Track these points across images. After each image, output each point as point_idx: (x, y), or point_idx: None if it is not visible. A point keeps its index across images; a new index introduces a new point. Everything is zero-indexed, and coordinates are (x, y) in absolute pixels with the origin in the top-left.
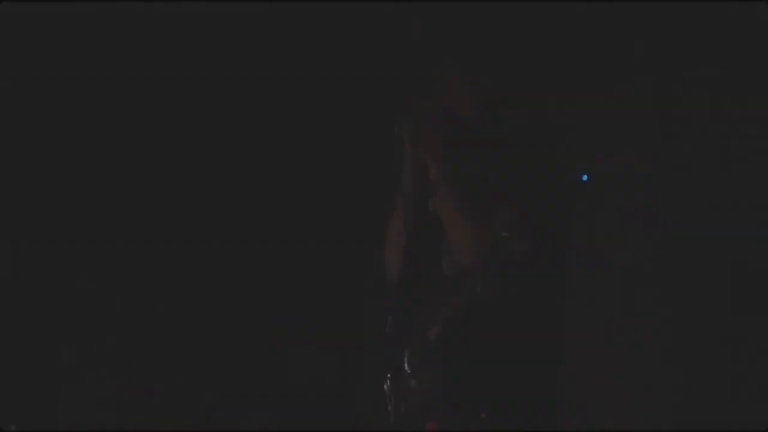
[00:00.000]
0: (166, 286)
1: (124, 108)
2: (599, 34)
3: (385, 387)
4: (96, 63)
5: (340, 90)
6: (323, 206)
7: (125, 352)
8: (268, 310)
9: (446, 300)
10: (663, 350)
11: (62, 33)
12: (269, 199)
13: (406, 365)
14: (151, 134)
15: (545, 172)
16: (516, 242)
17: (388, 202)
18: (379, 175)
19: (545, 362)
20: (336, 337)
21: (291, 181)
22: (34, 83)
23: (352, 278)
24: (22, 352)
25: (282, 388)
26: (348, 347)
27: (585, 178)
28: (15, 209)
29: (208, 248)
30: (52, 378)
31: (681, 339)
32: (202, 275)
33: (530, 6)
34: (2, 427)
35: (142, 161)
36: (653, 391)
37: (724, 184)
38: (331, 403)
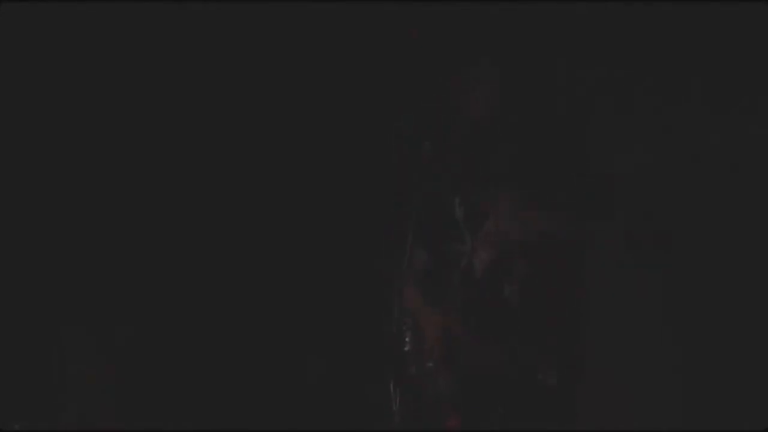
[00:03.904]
0: (172, 287)
1: (124, 108)
2: (601, 36)
3: (391, 386)
4: (96, 63)
5: (342, 90)
6: (330, 202)
7: (131, 353)
8: (280, 310)
9: (471, 299)
10: (689, 354)
11: (63, 33)
12: (274, 196)
13: (419, 364)
14: (149, 135)
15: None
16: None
17: (397, 198)
18: (387, 173)
19: (563, 365)
20: (346, 335)
21: (296, 180)
22: (35, 84)
23: (363, 274)
24: (25, 350)
25: (289, 387)
26: (359, 346)
27: None
28: (16, 206)
29: (210, 248)
30: (56, 377)
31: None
32: (203, 273)
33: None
34: (4, 428)
35: (143, 161)
36: (672, 396)
37: (729, 186)
38: (340, 402)
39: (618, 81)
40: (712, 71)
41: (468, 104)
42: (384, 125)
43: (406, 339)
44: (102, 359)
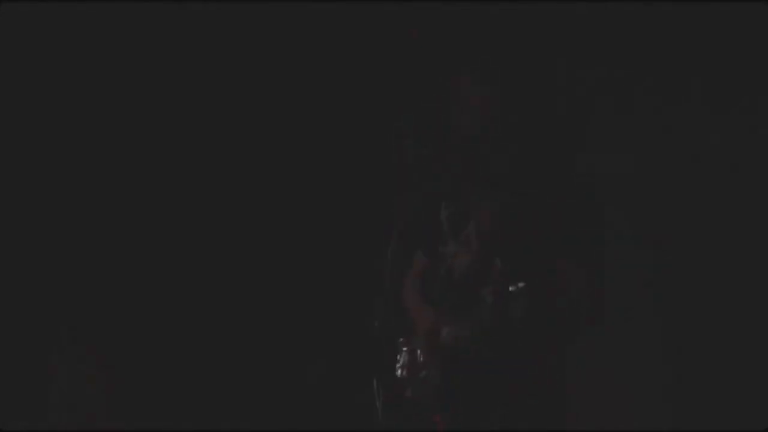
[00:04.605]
0: (171, 287)
1: (124, 109)
2: (601, 36)
3: (375, 386)
4: (96, 64)
5: (340, 91)
6: (324, 205)
7: (130, 352)
8: (278, 309)
9: (453, 299)
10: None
11: (63, 34)
12: (273, 196)
13: (407, 367)
14: (149, 135)
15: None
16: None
17: (387, 202)
18: (378, 175)
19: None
20: (338, 337)
21: (291, 181)
22: (35, 84)
23: (354, 279)
24: (25, 351)
25: (288, 387)
26: (349, 348)
27: None
28: (11, 209)
29: (209, 247)
30: (55, 377)
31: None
32: (201, 273)
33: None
34: (2, 428)
35: (140, 161)
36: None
37: (729, 186)
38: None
39: (618, 81)
40: (712, 71)
41: (467, 105)
42: (384, 125)
43: (401, 339)
44: (102, 360)
